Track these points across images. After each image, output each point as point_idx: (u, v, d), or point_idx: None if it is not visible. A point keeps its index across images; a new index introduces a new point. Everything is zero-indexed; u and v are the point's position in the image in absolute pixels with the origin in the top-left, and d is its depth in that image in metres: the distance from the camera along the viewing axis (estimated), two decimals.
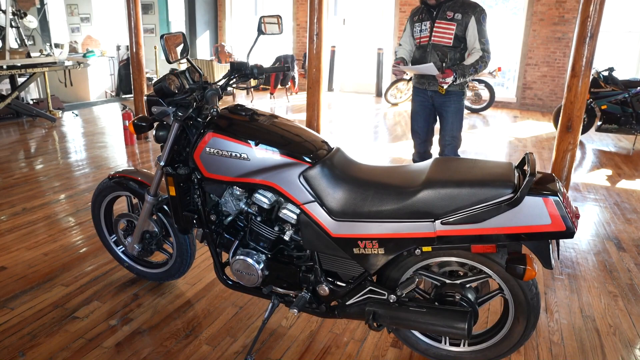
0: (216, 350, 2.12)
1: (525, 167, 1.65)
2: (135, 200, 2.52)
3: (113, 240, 2.67)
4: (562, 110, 4.08)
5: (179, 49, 1.92)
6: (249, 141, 1.86)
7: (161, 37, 1.81)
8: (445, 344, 2.01)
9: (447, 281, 1.84)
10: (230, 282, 2.16)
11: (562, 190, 1.59)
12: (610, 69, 6.30)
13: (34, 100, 7.24)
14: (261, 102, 9.07)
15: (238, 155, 1.87)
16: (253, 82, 2.19)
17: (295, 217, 1.89)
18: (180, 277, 2.59)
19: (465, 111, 8.22)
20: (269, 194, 1.93)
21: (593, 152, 6.05)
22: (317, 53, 4.73)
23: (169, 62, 1.89)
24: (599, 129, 6.40)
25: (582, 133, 6.57)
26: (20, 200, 3.89)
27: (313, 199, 1.82)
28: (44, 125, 6.61)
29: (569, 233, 1.55)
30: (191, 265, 2.54)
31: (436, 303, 1.82)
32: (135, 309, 2.43)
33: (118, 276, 2.73)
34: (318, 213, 1.82)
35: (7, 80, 6.54)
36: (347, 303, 1.92)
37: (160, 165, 2.09)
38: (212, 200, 2.12)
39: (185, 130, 2.05)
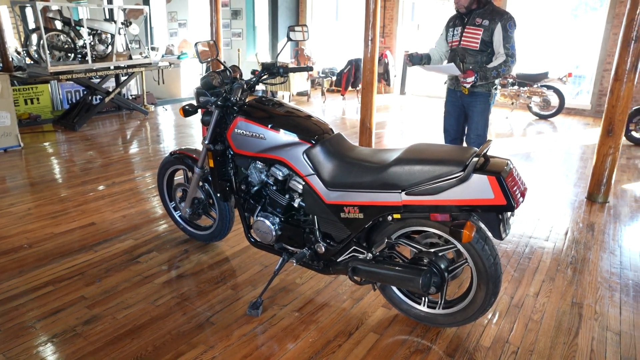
0: (238, 294, 2.64)
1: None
2: (190, 173, 3.11)
3: (172, 206, 3.30)
4: (604, 114, 4.12)
5: (210, 52, 2.45)
6: (265, 124, 2.35)
7: (195, 44, 2.36)
8: (423, 306, 2.35)
9: (423, 249, 2.19)
10: (252, 240, 2.66)
11: (509, 170, 1.89)
12: None
13: (133, 96, 8.38)
14: (333, 103, 9.60)
15: (257, 135, 2.37)
16: (280, 80, 2.67)
17: (301, 187, 2.35)
18: (221, 239, 3.16)
19: (533, 117, 8.15)
20: (283, 168, 2.40)
21: None
22: (371, 57, 5.12)
23: (201, 62, 2.44)
24: None
25: None
26: (113, 176, 4.73)
27: (313, 172, 2.26)
28: (139, 117, 7.69)
29: (510, 207, 1.84)
30: (230, 229, 3.09)
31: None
32: (184, 260, 3.03)
33: (175, 236, 3.36)
34: (316, 184, 2.26)
35: (113, 78, 7.68)
36: (338, 260, 2.34)
37: (205, 143, 2.65)
38: (243, 173, 2.63)
39: (225, 116, 2.59)
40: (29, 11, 9.96)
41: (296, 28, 2.65)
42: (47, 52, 6.25)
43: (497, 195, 1.84)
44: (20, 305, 2.51)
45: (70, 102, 7.73)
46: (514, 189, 1.87)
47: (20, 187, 4.38)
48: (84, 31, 6.91)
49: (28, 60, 7.10)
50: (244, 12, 11.42)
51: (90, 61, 6.75)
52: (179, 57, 10.05)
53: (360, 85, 9.53)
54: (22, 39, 7.04)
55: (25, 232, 3.40)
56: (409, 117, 8.39)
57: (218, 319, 2.42)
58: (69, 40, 7.00)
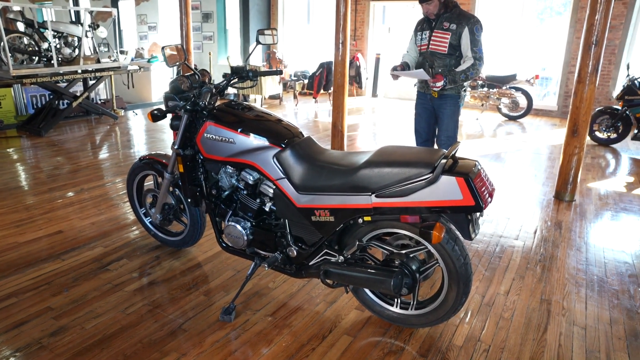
0: (210, 300, 2.61)
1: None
2: (160, 179, 3.06)
3: (143, 212, 3.23)
4: (568, 116, 4.24)
5: (178, 56, 2.42)
6: (235, 129, 2.33)
7: (162, 48, 2.32)
8: (396, 307, 2.36)
9: (394, 251, 2.20)
10: (224, 245, 2.64)
11: (477, 172, 1.92)
12: None
13: (102, 100, 8.20)
14: (306, 106, 9.60)
15: (227, 139, 2.35)
16: (250, 83, 2.66)
17: (271, 191, 2.33)
18: (193, 244, 3.11)
19: (502, 118, 8.33)
20: (253, 172, 2.39)
21: (622, 159, 5.99)
22: (342, 60, 5.15)
23: (168, 66, 2.40)
24: (635, 138, 6.33)
25: (617, 141, 6.54)
26: (81, 182, 4.62)
27: (283, 176, 2.25)
28: (108, 122, 7.53)
29: (478, 207, 1.87)
30: (202, 234, 3.05)
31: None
32: (155, 267, 2.97)
33: (146, 243, 3.30)
34: (287, 187, 2.25)
35: (81, 82, 7.50)
36: (310, 264, 2.33)
37: (174, 148, 2.61)
38: (213, 178, 2.60)
39: (194, 121, 2.55)
40: None
41: (265, 31, 2.64)
42: (9, 54, 6.05)
43: (465, 196, 1.87)
44: None
45: (35, 106, 7.51)
46: (482, 189, 1.90)
47: None
48: (48, 34, 6.72)
49: None
50: (215, 15, 11.33)
51: (56, 65, 6.57)
52: (149, 61, 9.88)
53: (332, 88, 9.56)
54: None
55: None
56: (381, 119, 8.47)
57: (190, 326, 2.38)
58: (33, 42, 6.80)
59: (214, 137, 2.39)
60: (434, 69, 3.44)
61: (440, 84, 3.41)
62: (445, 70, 3.50)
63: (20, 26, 7.03)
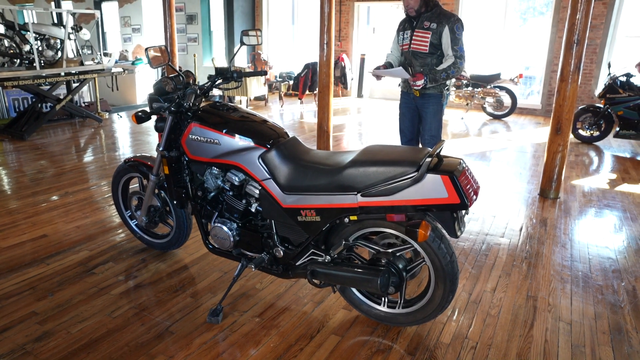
0: (197, 302, 2.59)
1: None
2: (145, 181, 3.03)
3: (128, 215, 3.20)
4: (552, 114, 4.30)
5: (162, 57, 2.41)
6: (220, 130, 2.32)
7: (145, 49, 2.31)
8: (383, 306, 2.37)
9: (381, 250, 2.21)
10: (210, 246, 2.62)
11: (462, 170, 1.93)
12: (628, 75, 6.32)
13: (86, 103, 8.11)
14: (291, 107, 9.60)
15: (212, 140, 2.34)
16: (234, 84, 2.65)
17: (257, 191, 2.33)
18: (179, 246, 3.09)
19: (487, 117, 8.42)
20: (239, 173, 2.38)
21: (605, 157, 6.09)
22: (327, 60, 5.16)
23: (152, 68, 2.39)
24: (617, 135, 6.43)
25: (600, 139, 6.65)
26: (66, 186, 4.56)
27: (269, 177, 2.25)
28: (93, 125, 7.45)
29: (463, 205, 1.88)
30: (188, 236, 3.03)
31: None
32: (141, 269, 2.95)
33: (132, 246, 3.27)
34: (272, 188, 2.24)
35: (64, 85, 7.40)
36: (297, 264, 2.33)
37: (159, 150, 2.59)
38: (199, 179, 2.59)
39: (179, 122, 2.54)
40: None
41: (250, 32, 2.63)
42: None
43: (450, 194, 1.88)
44: None
45: (17, 110, 7.40)
46: (467, 187, 1.92)
47: None
48: (30, 36, 6.63)
49: None
50: (199, 16, 11.27)
51: (38, 67, 6.48)
52: (133, 63, 9.80)
53: (317, 89, 9.56)
54: None
55: None
56: (367, 119, 8.50)
57: (178, 328, 2.36)
58: (14, 45, 6.70)
59: (198, 138, 2.38)
60: (413, 67, 3.46)
61: (420, 82, 3.43)
62: (426, 69, 3.52)
63: (0, 28, 6.90)
